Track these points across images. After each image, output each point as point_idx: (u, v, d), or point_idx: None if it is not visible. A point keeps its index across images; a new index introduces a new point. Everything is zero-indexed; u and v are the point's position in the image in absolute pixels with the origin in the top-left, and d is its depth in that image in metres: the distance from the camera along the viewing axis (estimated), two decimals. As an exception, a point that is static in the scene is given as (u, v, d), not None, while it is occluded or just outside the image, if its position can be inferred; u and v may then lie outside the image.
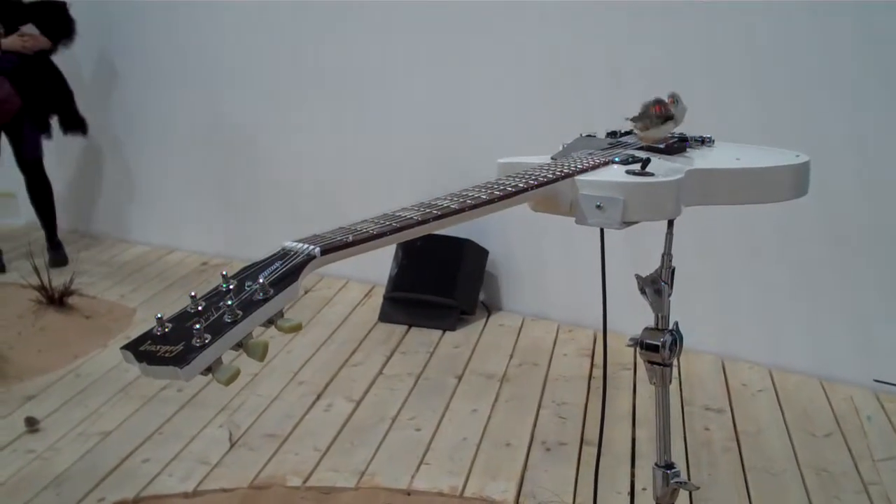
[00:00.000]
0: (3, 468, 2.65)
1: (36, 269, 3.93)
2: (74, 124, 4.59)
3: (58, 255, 4.65)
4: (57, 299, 3.90)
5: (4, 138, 4.47)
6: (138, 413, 2.99)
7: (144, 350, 0.77)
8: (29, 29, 4.28)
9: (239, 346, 0.81)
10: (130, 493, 2.49)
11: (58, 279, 4.00)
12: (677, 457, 1.50)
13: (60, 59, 4.51)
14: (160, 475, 2.59)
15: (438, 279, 3.74)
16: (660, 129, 1.45)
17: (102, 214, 5.24)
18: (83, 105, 4.62)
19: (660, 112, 1.45)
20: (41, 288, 3.89)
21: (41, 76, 4.41)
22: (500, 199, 1.13)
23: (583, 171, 1.29)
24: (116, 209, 5.15)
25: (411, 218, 1.01)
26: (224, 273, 0.86)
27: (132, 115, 4.90)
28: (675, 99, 1.48)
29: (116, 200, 5.14)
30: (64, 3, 4.47)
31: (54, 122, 4.54)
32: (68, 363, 3.41)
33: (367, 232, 0.96)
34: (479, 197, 1.11)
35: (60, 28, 4.43)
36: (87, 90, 4.80)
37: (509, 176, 1.24)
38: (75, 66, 4.75)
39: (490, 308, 3.91)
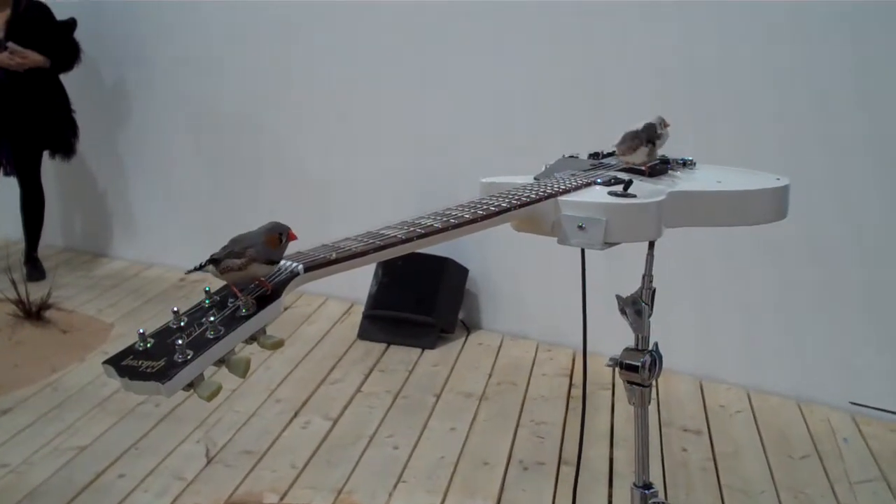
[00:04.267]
0: (-23, 483, 2.62)
1: (13, 283, 3.89)
2: (60, 148, 4.56)
3: (35, 270, 4.60)
4: (34, 313, 3.87)
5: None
6: (114, 428, 2.97)
7: (126, 365, 0.77)
8: (13, 46, 4.24)
9: (221, 361, 0.81)
10: (105, 510, 2.47)
11: (35, 293, 3.97)
12: (655, 477, 1.51)
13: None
14: (136, 490, 2.57)
15: (418, 297, 3.73)
16: (636, 153, 1.46)
17: (80, 229, 5.21)
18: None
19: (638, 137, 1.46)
20: (18, 302, 3.86)
21: (32, 94, 4.36)
22: (484, 218, 1.14)
23: (565, 191, 1.29)
24: (95, 224, 5.12)
25: (395, 236, 1.02)
26: (207, 289, 0.86)
27: (111, 130, 4.88)
28: (663, 123, 1.51)
29: (95, 215, 5.11)
30: (68, 24, 4.44)
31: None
32: (45, 377, 3.37)
33: (351, 250, 0.96)
34: (462, 216, 1.11)
35: (61, 47, 4.40)
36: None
37: (492, 196, 1.25)
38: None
39: (469, 327, 3.90)
